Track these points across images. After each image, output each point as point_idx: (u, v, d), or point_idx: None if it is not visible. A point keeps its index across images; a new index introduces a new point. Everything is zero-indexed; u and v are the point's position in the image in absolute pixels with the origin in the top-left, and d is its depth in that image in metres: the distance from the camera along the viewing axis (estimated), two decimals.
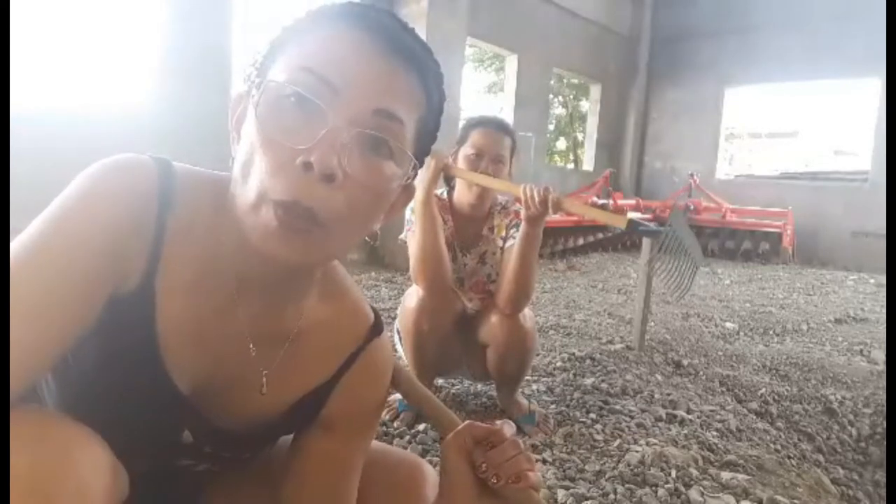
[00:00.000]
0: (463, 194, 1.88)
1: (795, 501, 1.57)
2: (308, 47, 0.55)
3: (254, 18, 4.58)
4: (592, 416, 2.00)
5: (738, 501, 1.49)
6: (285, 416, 0.70)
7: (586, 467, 1.63)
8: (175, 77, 3.91)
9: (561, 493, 1.46)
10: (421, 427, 1.81)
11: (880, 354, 3.32)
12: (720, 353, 3.17)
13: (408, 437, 1.76)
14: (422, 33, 1.48)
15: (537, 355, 2.61)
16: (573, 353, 2.69)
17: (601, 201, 6.97)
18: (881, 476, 2.30)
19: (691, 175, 8.59)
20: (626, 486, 1.53)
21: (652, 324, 3.37)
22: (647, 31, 9.76)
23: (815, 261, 8.02)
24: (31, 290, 0.50)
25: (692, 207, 7.89)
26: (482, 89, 13.77)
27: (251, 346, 0.64)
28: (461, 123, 2.09)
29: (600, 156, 9.56)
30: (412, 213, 1.77)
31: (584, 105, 12.24)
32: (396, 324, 1.93)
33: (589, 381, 2.34)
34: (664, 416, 2.05)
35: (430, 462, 1.46)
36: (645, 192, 9.60)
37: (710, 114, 9.45)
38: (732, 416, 2.17)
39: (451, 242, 1.87)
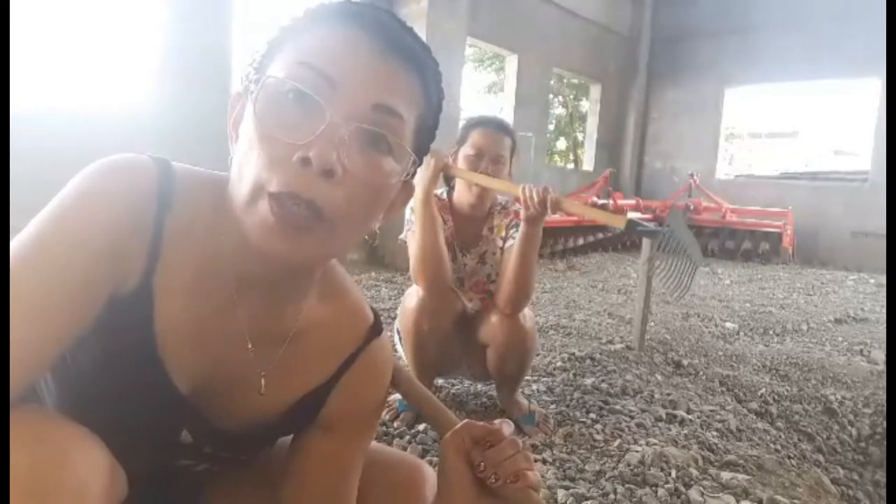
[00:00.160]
0: (463, 194, 1.88)
1: (795, 501, 1.57)
2: (306, 45, 0.55)
3: (254, 18, 4.58)
4: (592, 416, 2.00)
5: (738, 501, 1.49)
6: (285, 417, 0.70)
7: (586, 467, 1.63)
8: (175, 77, 3.91)
9: (561, 493, 1.46)
10: (421, 427, 1.81)
11: (880, 354, 3.31)
12: (720, 353, 3.17)
13: (408, 437, 1.76)
14: (422, 33, 1.48)
15: (537, 355, 2.61)
16: (573, 353, 2.69)
17: (601, 201, 6.97)
18: (881, 476, 2.30)
19: (691, 175, 8.59)
20: (626, 486, 1.53)
21: (652, 324, 3.37)
22: (647, 31, 9.76)
23: (815, 261, 8.02)
24: (30, 289, 0.50)
25: (692, 207, 7.89)
26: (482, 89, 13.78)
27: (249, 346, 0.64)
28: (461, 123, 2.09)
29: (600, 156, 9.56)
30: (412, 212, 1.77)
31: (584, 105, 12.24)
32: (396, 324, 1.93)
33: (589, 381, 2.34)
34: (664, 416, 2.05)
35: (430, 462, 1.46)
36: (645, 192, 9.60)
37: (710, 114, 9.45)
38: (732, 416, 2.17)
39: (450, 242, 1.87)
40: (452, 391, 2.17)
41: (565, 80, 12.15)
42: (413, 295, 1.80)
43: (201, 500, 0.80)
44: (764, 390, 2.60)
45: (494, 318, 1.81)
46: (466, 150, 1.81)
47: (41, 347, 0.51)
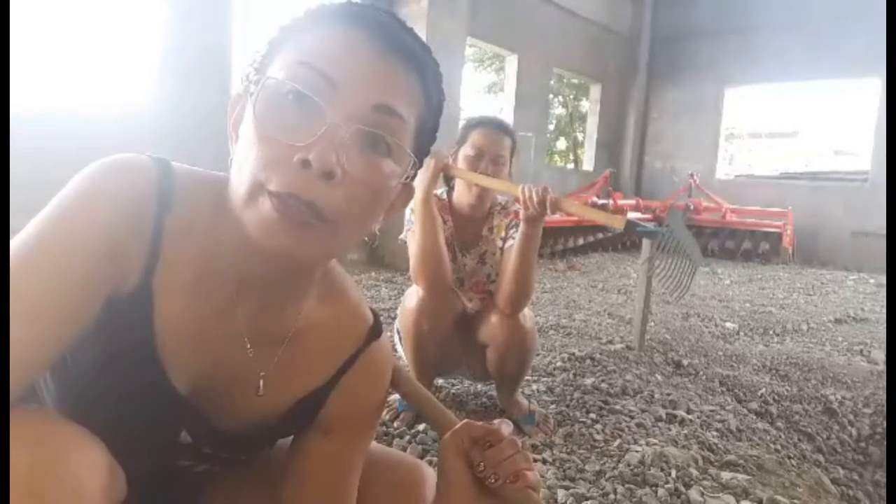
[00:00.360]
0: (463, 194, 1.88)
1: (795, 501, 1.57)
2: (306, 45, 0.55)
3: (254, 18, 4.58)
4: (592, 416, 2.00)
5: (738, 501, 1.49)
6: (284, 418, 0.70)
7: (586, 467, 1.63)
8: (175, 77, 3.91)
9: (561, 493, 1.46)
10: (421, 427, 1.81)
11: (880, 354, 3.31)
12: (720, 353, 3.17)
13: (408, 437, 1.76)
14: (422, 33, 1.48)
15: (537, 355, 2.61)
16: (573, 353, 2.69)
17: (601, 201, 6.97)
18: (881, 476, 2.30)
19: (691, 175, 8.59)
20: (626, 486, 1.53)
21: (652, 324, 3.37)
22: (647, 31, 9.76)
23: (815, 261, 8.02)
24: (30, 289, 0.50)
25: (692, 207, 7.89)
26: (482, 89, 13.78)
27: (248, 346, 0.64)
28: (461, 123, 2.09)
29: (600, 156, 9.56)
30: (412, 213, 1.77)
31: (584, 105, 12.24)
32: (396, 324, 1.93)
33: (589, 381, 2.34)
34: (664, 416, 2.05)
35: (430, 462, 1.47)
36: (645, 192, 9.60)
37: (710, 114, 9.45)
38: (732, 416, 2.17)
39: (450, 242, 1.87)
40: (452, 391, 2.17)
41: (565, 80, 12.15)
42: (413, 295, 1.80)
43: (201, 500, 0.80)
44: (764, 390, 2.60)
45: (494, 318, 1.81)
46: (466, 150, 1.81)
47: (41, 347, 0.51)
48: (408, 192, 0.64)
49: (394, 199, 0.62)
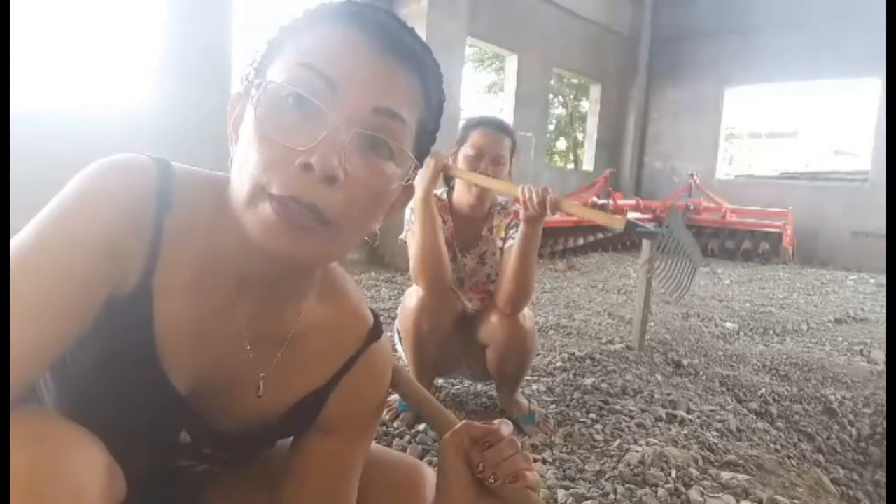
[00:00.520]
0: (462, 195, 1.88)
1: (795, 501, 1.57)
2: (306, 45, 0.55)
3: (254, 18, 4.59)
4: (592, 416, 2.00)
5: (738, 501, 1.49)
6: (284, 418, 0.70)
7: (586, 467, 1.63)
8: (175, 77, 3.91)
9: (561, 493, 1.46)
10: (421, 427, 1.81)
11: (880, 354, 3.31)
12: (720, 353, 3.17)
13: (408, 437, 1.76)
14: (422, 33, 1.48)
15: (537, 355, 2.61)
16: (573, 353, 2.69)
17: (601, 201, 6.97)
18: (881, 476, 2.30)
19: (691, 175, 8.59)
20: (626, 486, 1.53)
21: (652, 324, 3.37)
22: (647, 31, 9.76)
23: (815, 261, 8.02)
24: (30, 289, 0.50)
25: (692, 207, 7.89)
26: (482, 89, 13.78)
27: (248, 347, 0.64)
28: (461, 123, 2.09)
29: (600, 156, 9.56)
30: (412, 213, 1.77)
31: (584, 105, 12.24)
32: (396, 324, 1.93)
33: (589, 381, 2.34)
34: (664, 416, 2.05)
35: (430, 462, 1.47)
36: (645, 193, 9.60)
37: (710, 114, 9.45)
38: (732, 416, 2.17)
39: (450, 242, 1.87)
40: (452, 391, 2.17)
41: (565, 80, 12.15)
42: (413, 295, 1.80)
43: (201, 500, 0.80)
44: (764, 390, 2.60)
45: (494, 318, 1.81)
46: (466, 150, 1.81)
47: (41, 347, 0.51)
48: (408, 192, 0.64)
49: (394, 200, 0.62)
